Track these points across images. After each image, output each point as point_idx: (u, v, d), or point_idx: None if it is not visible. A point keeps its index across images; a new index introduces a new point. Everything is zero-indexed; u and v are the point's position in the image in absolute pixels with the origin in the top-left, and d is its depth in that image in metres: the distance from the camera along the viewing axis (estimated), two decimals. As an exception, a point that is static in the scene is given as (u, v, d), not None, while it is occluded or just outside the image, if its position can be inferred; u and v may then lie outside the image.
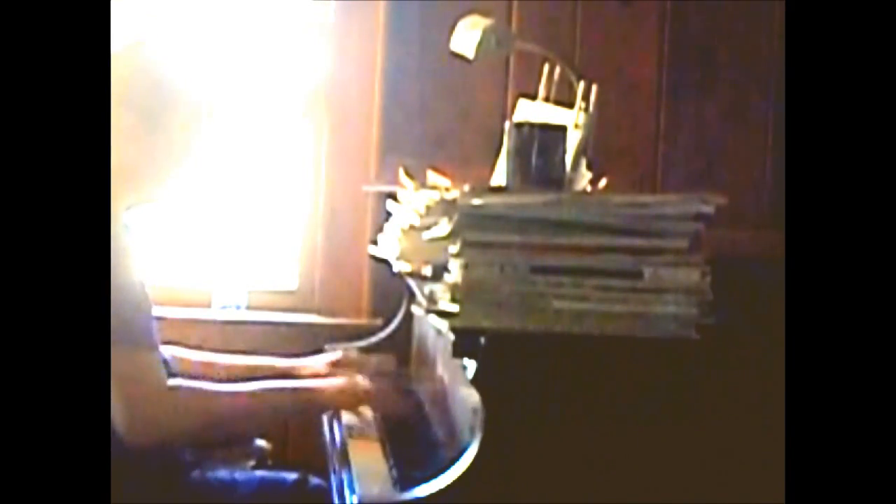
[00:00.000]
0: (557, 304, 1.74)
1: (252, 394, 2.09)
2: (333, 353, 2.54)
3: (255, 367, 2.45)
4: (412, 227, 2.08)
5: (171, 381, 2.01)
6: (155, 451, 2.03)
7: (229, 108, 3.06)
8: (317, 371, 2.43)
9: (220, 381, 2.16)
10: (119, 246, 1.95)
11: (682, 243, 1.76)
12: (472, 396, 1.79)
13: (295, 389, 2.18)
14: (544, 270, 1.75)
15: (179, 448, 2.18)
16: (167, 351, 2.28)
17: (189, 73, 2.20)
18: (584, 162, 2.17)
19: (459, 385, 1.96)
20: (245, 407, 2.09)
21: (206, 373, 2.34)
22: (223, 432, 2.16)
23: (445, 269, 1.81)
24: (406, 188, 2.22)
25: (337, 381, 2.23)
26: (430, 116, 3.10)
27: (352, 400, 2.18)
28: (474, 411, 1.78)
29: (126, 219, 2.08)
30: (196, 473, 2.27)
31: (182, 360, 2.39)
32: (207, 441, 2.23)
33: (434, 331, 2.20)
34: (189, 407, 2.01)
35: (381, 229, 2.41)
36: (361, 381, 2.23)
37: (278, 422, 2.57)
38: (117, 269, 1.91)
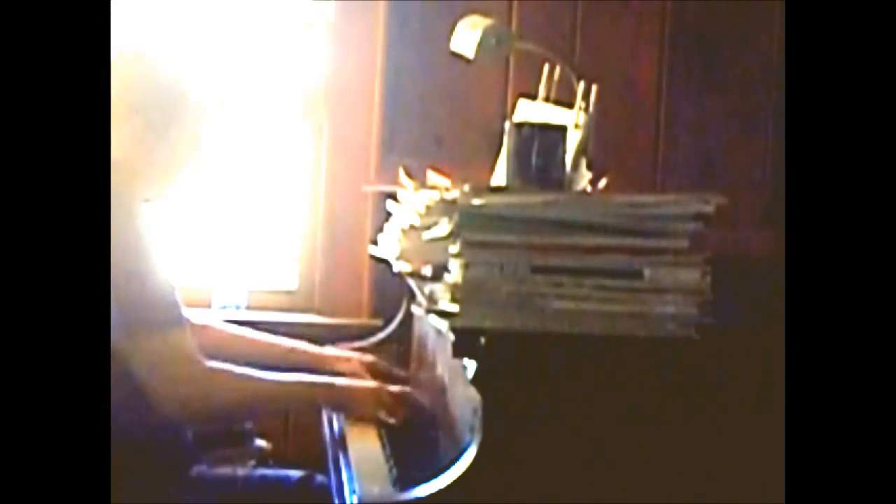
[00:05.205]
0: (557, 304, 1.74)
1: (283, 384, 2.13)
2: (367, 356, 2.53)
3: (289, 350, 2.46)
4: (412, 227, 2.07)
5: (209, 363, 2.05)
6: (188, 425, 2.19)
7: (231, 109, 3.06)
8: (350, 366, 2.43)
9: (248, 357, 2.24)
10: (137, 236, 2.01)
11: (682, 243, 1.76)
12: (472, 396, 1.79)
13: (331, 387, 2.18)
14: (544, 270, 1.74)
15: (211, 423, 2.29)
16: (198, 319, 2.35)
17: (194, 76, 2.21)
18: (584, 162, 2.17)
19: (459, 385, 1.95)
20: (275, 395, 2.14)
21: (233, 344, 2.40)
22: (252, 414, 2.32)
23: (445, 269, 1.81)
24: (406, 188, 2.22)
25: (369, 384, 2.24)
26: (430, 116, 3.10)
27: (379, 406, 2.16)
28: (474, 411, 1.77)
29: (143, 211, 2.10)
30: (199, 471, 2.28)
31: (208, 327, 2.42)
32: (237, 420, 2.39)
33: (434, 331, 2.20)
34: (223, 386, 2.06)
35: (381, 229, 2.41)
36: (391, 387, 2.23)
37: (305, 410, 2.53)
38: (137, 258, 1.97)
